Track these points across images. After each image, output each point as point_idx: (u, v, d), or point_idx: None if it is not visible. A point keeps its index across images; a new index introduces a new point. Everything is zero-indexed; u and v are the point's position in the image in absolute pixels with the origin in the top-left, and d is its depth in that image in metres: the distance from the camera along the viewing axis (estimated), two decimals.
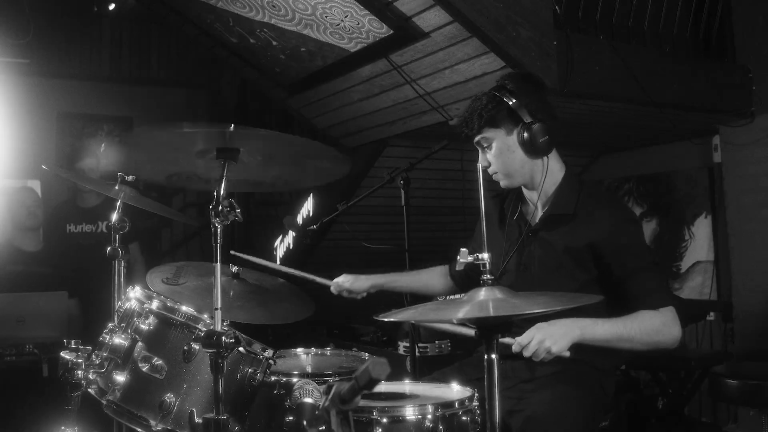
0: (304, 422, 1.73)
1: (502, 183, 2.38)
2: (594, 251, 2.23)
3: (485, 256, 1.69)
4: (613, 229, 2.22)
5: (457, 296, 1.94)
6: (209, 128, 1.83)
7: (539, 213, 2.38)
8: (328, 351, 2.68)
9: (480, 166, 2.19)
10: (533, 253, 2.34)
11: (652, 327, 2.15)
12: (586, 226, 2.24)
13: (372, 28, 3.81)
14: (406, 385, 2.26)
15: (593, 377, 2.27)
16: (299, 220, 5.49)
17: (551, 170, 2.32)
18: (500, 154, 2.31)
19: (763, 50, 4.58)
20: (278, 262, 5.95)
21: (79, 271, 4.28)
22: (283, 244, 5.94)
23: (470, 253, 1.74)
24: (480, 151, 2.37)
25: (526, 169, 2.33)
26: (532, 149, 2.26)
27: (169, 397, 1.88)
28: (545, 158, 2.29)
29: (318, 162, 1.99)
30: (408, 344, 3.53)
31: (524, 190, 2.43)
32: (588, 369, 2.25)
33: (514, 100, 2.24)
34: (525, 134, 2.24)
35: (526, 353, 2.05)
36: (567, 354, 2.05)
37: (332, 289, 2.85)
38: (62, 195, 5.33)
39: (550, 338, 2.04)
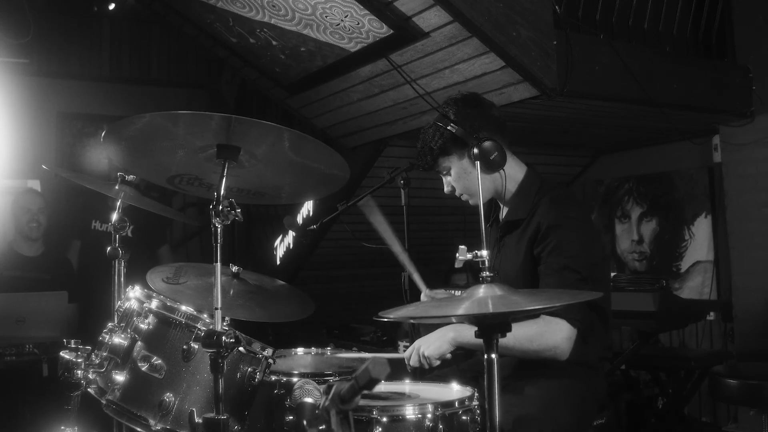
0: (304, 422, 1.73)
1: (471, 202, 2.46)
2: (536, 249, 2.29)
3: (484, 253, 1.69)
4: (550, 224, 2.26)
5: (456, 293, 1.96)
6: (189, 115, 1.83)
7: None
8: (328, 351, 2.68)
9: (446, 190, 2.43)
10: (501, 259, 2.43)
11: (526, 335, 2.13)
12: (532, 227, 2.30)
13: (372, 28, 3.81)
14: (406, 385, 2.26)
15: (583, 375, 2.29)
16: (299, 220, 5.49)
17: (510, 177, 2.42)
18: (459, 178, 2.43)
19: (763, 50, 4.58)
20: (278, 262, 5.96)
21: (90, 271, 4.29)
22: (283, 244, 5.94)
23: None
24: (443, 178, 2.48)
25: (488, 185, 2.42)
26: (485, 166, 2.31)
27: (169, 397, 1.88)
28: (502, 170, 2.35)
29: (317, 164, 1.99)
30: (408, 344, 3.52)
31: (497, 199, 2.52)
32: (576, 367, 2.27)
33: (456, 126, 2.33)
34: (475, 154, 2.28)
35: (411, 362, 2.35)
36: (448, 356, 2.32)
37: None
38: (75, 190, 5.35)
39: (425, 344, 2.34)
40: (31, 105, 5.68)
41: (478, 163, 2.23)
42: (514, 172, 2.43)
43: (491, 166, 2.31)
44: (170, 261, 4.63)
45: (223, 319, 1.76)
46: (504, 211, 2.50)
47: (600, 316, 2.32)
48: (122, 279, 2.47)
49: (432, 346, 2.33)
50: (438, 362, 2.36)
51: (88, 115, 6.19)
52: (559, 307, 2.00)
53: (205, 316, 1.95)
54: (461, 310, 1.59)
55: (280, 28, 4.18)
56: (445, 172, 2.46)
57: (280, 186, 2.17)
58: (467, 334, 2.23)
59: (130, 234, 3.36)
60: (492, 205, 2.58)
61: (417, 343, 2.38)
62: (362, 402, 1.60)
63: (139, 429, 1.91)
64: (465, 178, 2.41)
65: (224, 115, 1.75)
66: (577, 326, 2.16)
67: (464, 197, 2.47)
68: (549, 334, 2.14)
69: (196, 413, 1.85)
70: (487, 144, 2.28)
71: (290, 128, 1.82)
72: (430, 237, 5.50)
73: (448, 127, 2.34)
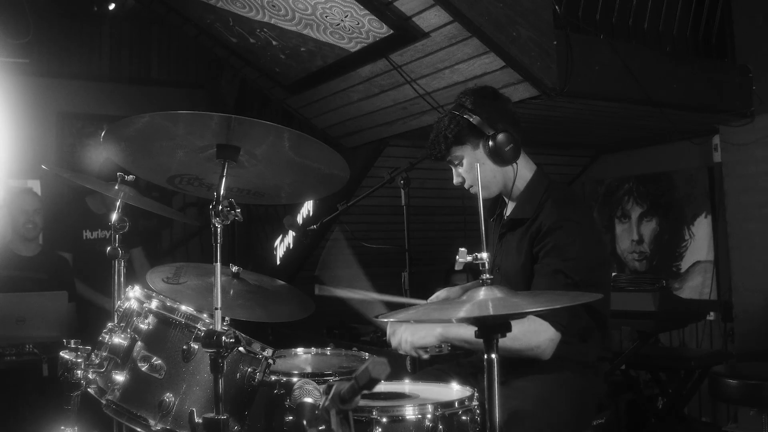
0: (304, 422, 1.73)
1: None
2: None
3: (484, 255, 1.69)
4: (551, 225, 2.26)
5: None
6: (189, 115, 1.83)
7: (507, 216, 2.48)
8: (328, 351, 2.68)
9: (456, 181, 2.40)
10: (502, 255, 2.43)
11: (510, 334, 2.11)
12: (535, 227, 2.30)
13: (372, 28, 3.81)
14: (406, 385, 2.26)
15: (581, 373, 2.29)
16: (299, 220, 5.49)
17: (520, 174, 2.41)
18: (471, 169, 2.40)
19: (763, 50, 4.58)
20: (278, 262, 5.96)
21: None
22: (283, 244, 5.94)
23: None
24: (453, 169, 2.46)
25: (499, 178, 2.42)
26: (500, 158, 2.34)
27: (169, 397, 1.88)
28: (514, 164, 2.37)
29: (317, 164, 1.99)
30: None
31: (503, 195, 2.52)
32: (575, 365, 2.27)
33: (474, 116, 2.32)
34: (490, 145, 2.31)
35: (392, 343, 2.33)
36: (434, 346, 2.26)
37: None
38: (67, 197, 5.34)
39: (412, 330, 2.29)
40: (31, 105, 5.68)
41: (486, 146, 2.24)
42: (524, 169, 2.43)
43: (505, 158, 2.33)
44: (144, 264, 4.60)
45: (223, 319, 1.76)
46: (509, 208, 2.49)
47: (597, 320, 2.32)
48: (122, 279, 2.47)
49: (417, 334, 2.28)
50: (414, 353, 2.32)
51: (88, 115, 6.19)
52: (556, 309, 2.00)
53: (205, 316, 1.95)
54: (462, 313, 1.59)
55: (280, 28, 4.18)
56: (456, 162, 2.43)
57: (280, 186, 2.17)
58: (455, 331, 2.22)
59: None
60: (498, 201, 2.58)
61: (403, 326, 2.35)
62: (362, 402, 1.60)
63: (139, 429, 1.90)
64: (477, 169, 2.39)
65: (224, 115, 1.75)
66: (561, 330, 2.15)
67: (473, 189, 2.44)
68: (532, 334, 2.14)
69: (196, 413, 1.85)
70: (502, 135, 2.30)
71: (290, 128, 1.82)
72: (431, 237, 5.50)
73: (465, 116, 2.33)
